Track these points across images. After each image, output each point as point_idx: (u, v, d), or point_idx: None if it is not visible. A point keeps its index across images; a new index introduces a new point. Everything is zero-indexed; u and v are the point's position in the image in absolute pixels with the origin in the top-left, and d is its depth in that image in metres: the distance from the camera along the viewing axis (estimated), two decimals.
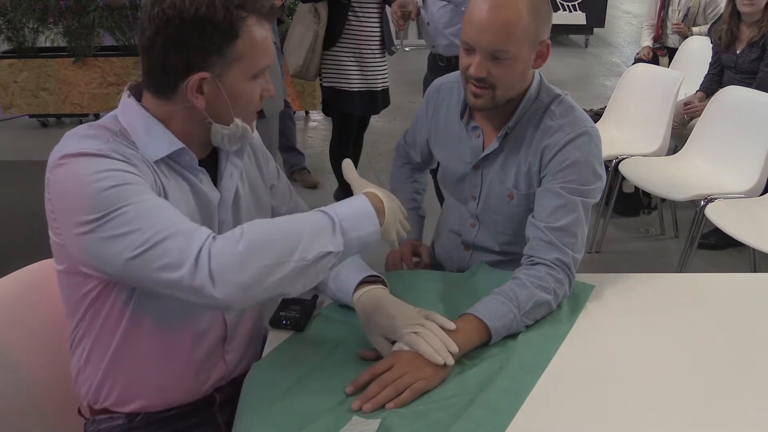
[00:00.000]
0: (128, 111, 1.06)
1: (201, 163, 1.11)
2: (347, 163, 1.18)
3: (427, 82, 3.42)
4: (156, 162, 1.04)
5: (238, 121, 1.07)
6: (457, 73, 1.49)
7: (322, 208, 1.01)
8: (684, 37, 4.28)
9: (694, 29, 4.25)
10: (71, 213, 0.96)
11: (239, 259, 0.91)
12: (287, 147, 3.87)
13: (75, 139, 1.00)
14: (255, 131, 1.20)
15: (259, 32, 1.03)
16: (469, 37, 1.27)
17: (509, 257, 1.50)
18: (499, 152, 1.42)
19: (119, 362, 1.12)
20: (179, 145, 1.05)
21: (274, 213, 1.30)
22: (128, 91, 1.08)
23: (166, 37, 0.98)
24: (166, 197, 1.04)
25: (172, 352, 1.13)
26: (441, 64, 2.82)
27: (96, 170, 0.95)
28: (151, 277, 0.93)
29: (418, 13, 2.84)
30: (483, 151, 1.44)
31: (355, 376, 1.07)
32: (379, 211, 1.02)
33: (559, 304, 1.29)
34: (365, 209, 1.00)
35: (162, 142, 1.05)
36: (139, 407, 1.15)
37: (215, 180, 1.15)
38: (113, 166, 0.96)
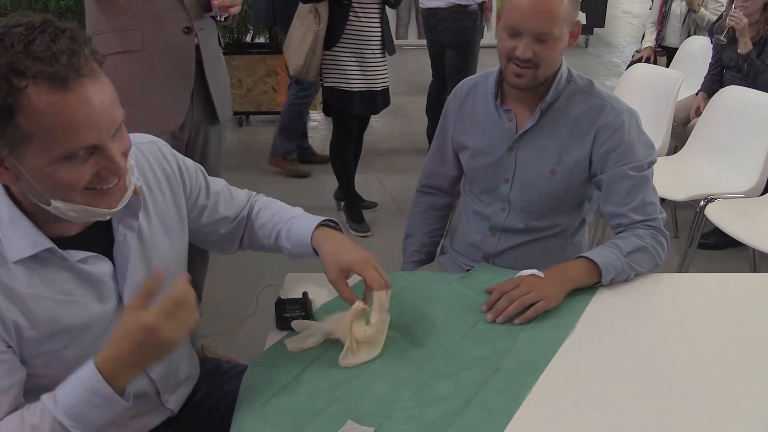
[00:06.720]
0: None
1: (89, 231, 0.98)
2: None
3: (431, 50, 3.94)
4: (21, 260, 0.89)
5: (58, 203, 0.87)
6: (475, 76, 1.59)
7: (55, 404, 0.87)
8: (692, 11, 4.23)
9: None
10: None
11: None
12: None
13: None
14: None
15: (53, 104, 0.79)
16: (515, 21, 1.36)
17: (533, 236, 1.55)
18: (538, 130, 1.48)
19: None
20: (45, 245, 0.91)
21: (228, 222, 1.25)
22: None
23: None
24: (31, 310, 0.91)
25: None
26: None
27: None
28: None
29: None
30: (517, 132, 1.49)
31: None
32: (114, 376, 0.87)
33: (562, 305, 1.29)
34: (101, 395, 0.87)
35: (26, 239, 0.90)
36: None
37: (111, 242, 1.00)
38: None
